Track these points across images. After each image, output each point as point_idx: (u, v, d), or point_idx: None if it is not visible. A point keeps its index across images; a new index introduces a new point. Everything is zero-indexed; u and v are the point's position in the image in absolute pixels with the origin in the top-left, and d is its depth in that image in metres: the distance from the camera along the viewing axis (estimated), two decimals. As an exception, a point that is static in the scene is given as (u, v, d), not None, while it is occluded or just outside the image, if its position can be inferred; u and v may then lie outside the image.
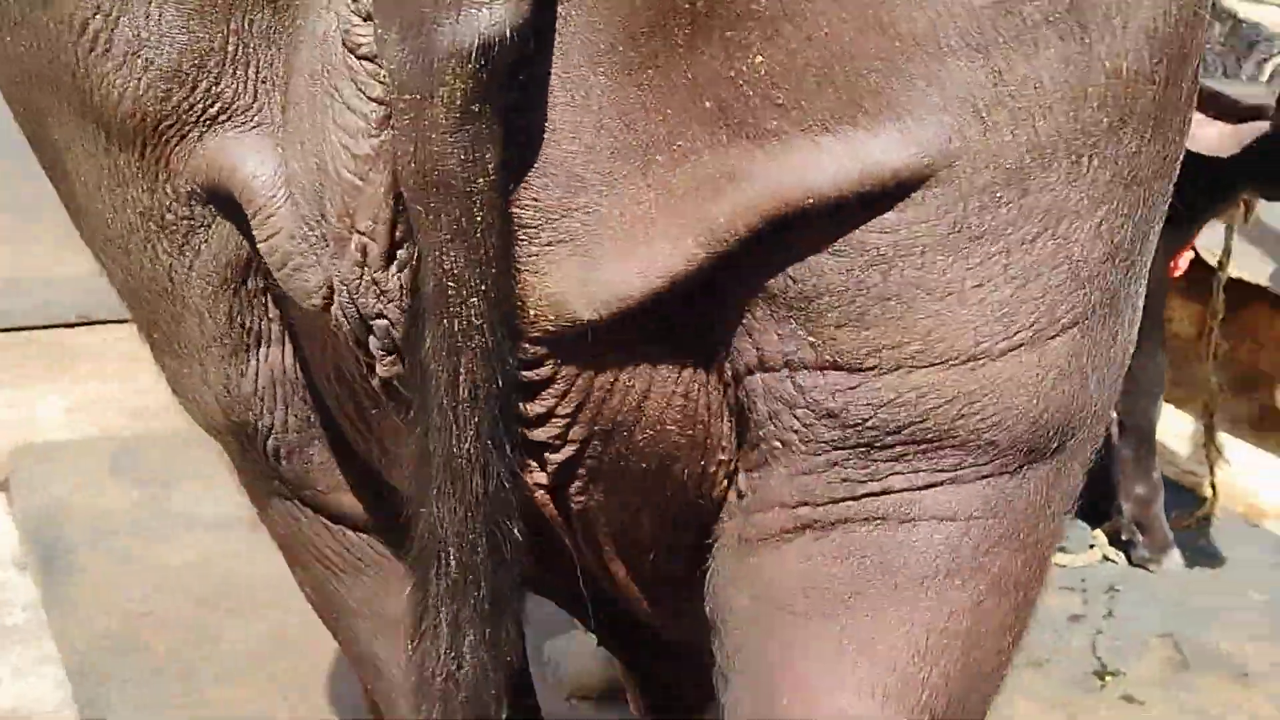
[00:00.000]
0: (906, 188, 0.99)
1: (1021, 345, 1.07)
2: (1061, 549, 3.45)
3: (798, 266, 1.04)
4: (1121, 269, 1.09)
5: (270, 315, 1.23)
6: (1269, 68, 2.91)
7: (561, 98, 1.01)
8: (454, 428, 1.04)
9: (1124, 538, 3.42)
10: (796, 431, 1.10)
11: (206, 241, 1.18)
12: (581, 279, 1.04)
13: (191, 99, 1.11)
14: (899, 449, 1.10)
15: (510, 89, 0.97)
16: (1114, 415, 3.44)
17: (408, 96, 0.96)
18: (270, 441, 1.30)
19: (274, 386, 1.26)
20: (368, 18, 0.99)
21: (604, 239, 1.03)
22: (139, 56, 1.10)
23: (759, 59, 0.97)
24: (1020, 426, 1.09)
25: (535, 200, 1.02)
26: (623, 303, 1.03)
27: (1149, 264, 1.15)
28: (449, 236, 0.99)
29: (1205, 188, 3.01)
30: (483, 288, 1.01)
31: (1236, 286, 3.68)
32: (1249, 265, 3.77)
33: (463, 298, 1.01)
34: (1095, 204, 1.04)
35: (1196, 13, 1.06)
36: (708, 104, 0.99)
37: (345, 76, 1.02)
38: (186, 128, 1.12)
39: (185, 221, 1.16)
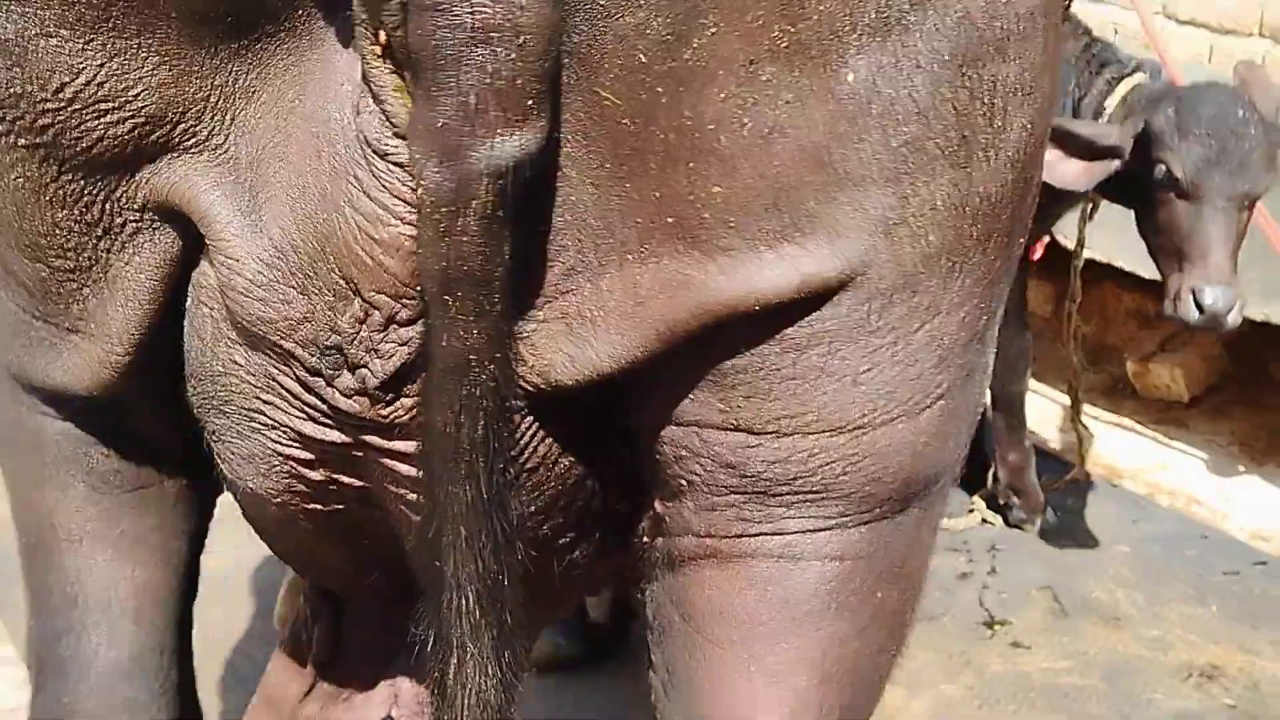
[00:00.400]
0: (830, 292, 1.18)
1: (900, 416, 1.24)
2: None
3: (722, 352, 1.21)
4: (977, 349, 1.28)
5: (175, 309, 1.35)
6: (1120, 88, 3.19)
7: (559, 204, 1.18)
8: (455, 469, 1.20)
9: (1000, 502, 3.70)
10: (699, 476, 1.28)
11: (147, 244, 1.30)
12: (569, 354, 1.21)
13: (166, 137, 1.23)
14: (790, 498, 1.26)
15: (522, 199, 1.14)
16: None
17: (444, 208, 1.10)
18: (123, 401, 1.41)
19: (153, 364, 1.37)
20: (399, 135, 1.14)
21: (587, 322, 1.20)
22: (116, 108, 1.21)
23: (716, 189, 1.14)
24: (895, 483, 1.27)
25: (538, 287, 1.20)
26: (597, 375, 1.21)
27: (990, 349, 1.34)
28: (472, 318, 1.15)
29: (1058, 194, 3.32)
30: (497, 357, 1.17)
31: (1088, 266, 3.99)
32: (1100, 245, 4.07)
33: (481, 366, 1.17)
34: (963, 301, 1.23)
35: (1043, 140, 1.27)
36: (670, 219, 1.15)
37: (365, 169, 1.17)
38: (149, 158, 1.25)
39: (131, 225, 1.29)
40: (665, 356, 1.21)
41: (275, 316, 1.25)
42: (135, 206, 1.28)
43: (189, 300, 1.34)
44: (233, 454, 1.40)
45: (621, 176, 1.15)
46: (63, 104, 1.21)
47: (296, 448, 1.35)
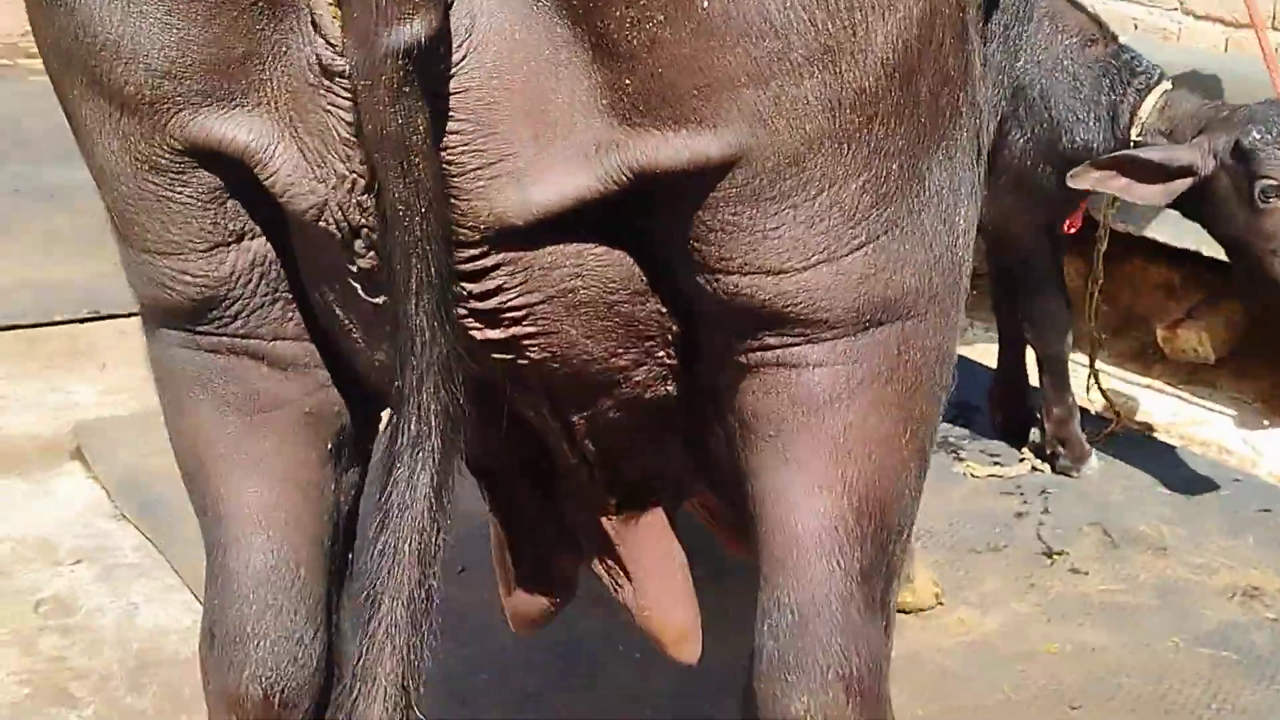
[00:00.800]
0: (722, 169, 1.49)
1: (819, 263, 1.53)
2: (997, 463, 4.07)
3: (667, 207, 1.53)
4: (894, 206, 1.54)
5: (245, 222, 1.64)
6: (1151, 98, 3.53)
7: (500, 84, 1.46)
8: (408, 304, 1.49)
9: (1048, 452, 4.03)
10: (704, 305, 1.60)
11: (194, 179, 1.59)
12: (516, 200, 1.51)
13: (199, 91, 1.54)
14: (759, 322, 1.57)
15: (433, 77, 1.43)
16: (1031, 353, 4.08)
17: (364, 83, 1.42)
18: (235, 306, 1.68)
19: (250, 268, 1.66)
20: (340, 51, 1.46)
21: (530, 175, 1.50)
22: (147, 65, 1.52)
23: (626, 81, 1.46)
24: (839, 310, 1.56)
25: (482, 150, 1.50)
26: (541, 213, 1.52)
27: (937, 200, 1.59)
28: (396, 176, 1.44)
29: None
30: (422, 209, 1.45)
31: (1120, 238, 4.32)
32: (1132, 219, 4.41)
33: (409, 217, 1.46)
34: (855, 171, 1.50)
35: (923, 38, 1.51)
36: (607, 100, 1.47)
37: (326, 88, 1.50)
38: (183, 109, 1.55)
39: (176, 164, 1.58)
40: (620, 209, 1.53)
41: (310, 204, 1.56)
42: (176, 151, 1.57)
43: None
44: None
45: (559, 64, 1.47)
46: (105, 55, 1.52)
47: (353, 302, 1.64)
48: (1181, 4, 5.23)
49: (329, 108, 1.51)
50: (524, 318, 1.60)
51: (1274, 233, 3.33)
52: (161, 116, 1.56)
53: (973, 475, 3.98)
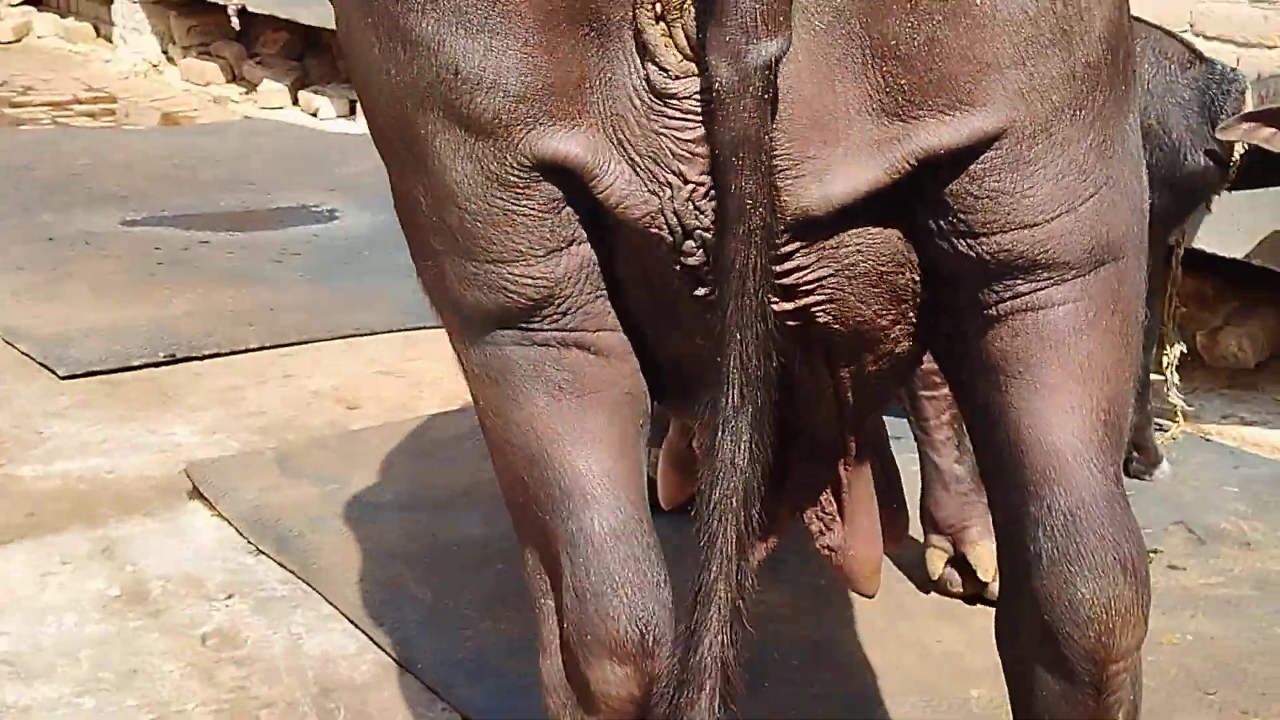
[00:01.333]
0: (992, 140, 1.76)
1: (1063, 213, 1.80)
2: (1071, 470, 4.26)
3: (939, 183, 1.78)
4: (1115, 160, 1.85)
5: (576, 229, 1.85)
6: (1248, 97, 3.80)
7: (798, 94, 1.72)
8: (743, 290, 1.73)
9: (1124, 456, 4.24)
10: (962, 267, 1.84)
11: (537, 192, 1.81)
12: (818, 195, 1.76)
13: (546, 112, 1.76)
14: (1014, 272, 1.83)
15: (775, 88, 1.68)
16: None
17: (732, 94, 1.65)
18: (566, 304, 1.89)
19: (579, 269, 1.88)
20: (679, 76, 1.70)
21: (828, 173, 1.76)
22: (505, 91, 1.74)
23: (903, 81, 1.72)
24: (1078, 252, 1.83)
25: (789, 154, 1.75)
26: (839, 204, 1.77)
27: (1131, 155, 1.90)
28: (750, 173, 1.68)
29: (1186, 202, 3.96)
30: (765, 203, 1.71)
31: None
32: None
33: (756, 208, 1.71)
34: (1085, 132, 1.80)
35: (1123, 18, 1.85)
36: (883, 99, 1.73)
37: (659, 110, 1.73)
38: (533, 128, 1.76)
39: (523, 179, 1.80)
40: (895, 193, 1.77)
41: (642, 212, 1.79)
42: (523, 168, 1.78)
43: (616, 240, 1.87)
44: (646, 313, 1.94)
45: (849, 69, 1.72)
46: (465, 88, 1.75)
47: (671, 294, 1.87)
48: (1192, 25, 5.47)
49: (662, 130, 1.74)
50: (814, 290, 1.87)
51: None
52: (514, 137, 1.77)
53: (1052, 481, 4.17)
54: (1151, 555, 3.67)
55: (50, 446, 4.21)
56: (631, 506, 1.96)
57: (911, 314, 1.94)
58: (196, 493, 3.95)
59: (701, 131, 1.72)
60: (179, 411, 4.49)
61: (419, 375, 4.81)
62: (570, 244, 1.86)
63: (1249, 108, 3.78)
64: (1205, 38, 5.40)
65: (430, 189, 1.87)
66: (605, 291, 1.91)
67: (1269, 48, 5.26)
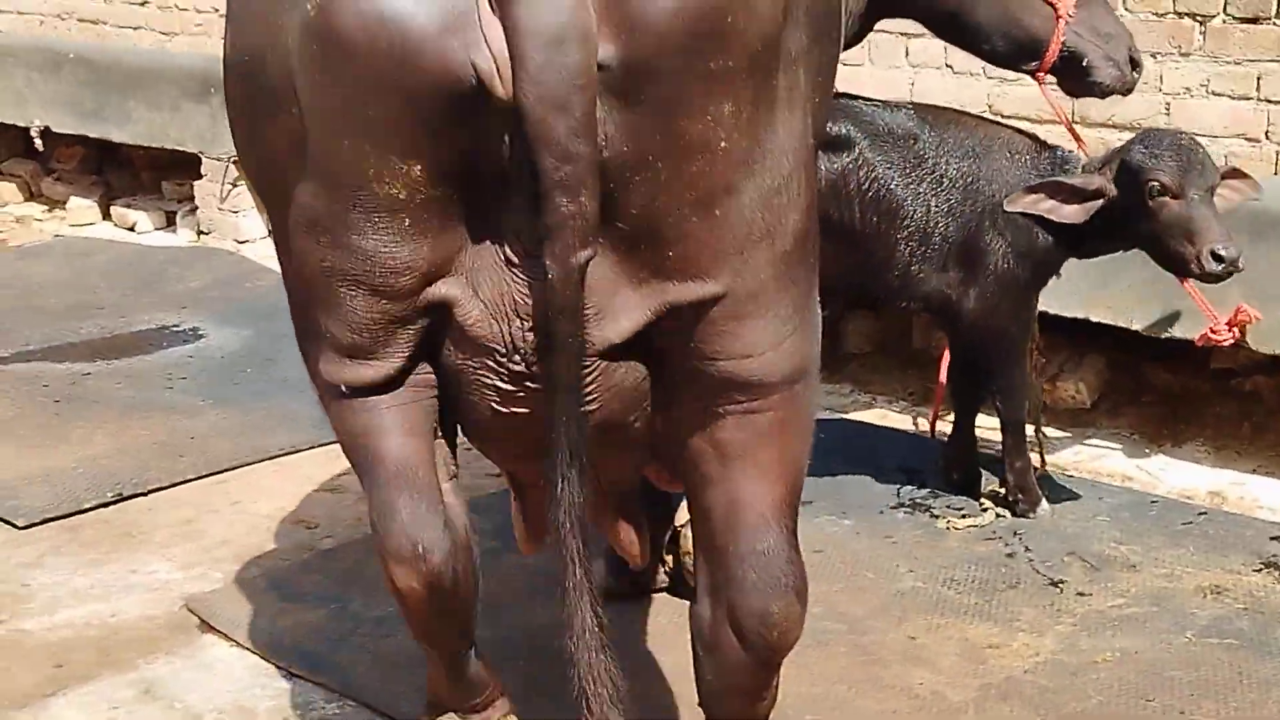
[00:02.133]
0: (717, 299, 2.44)
1: (769, 349, 2.54)
2: (965, 515, 4.89)
3: (680, 324, 2.48)
4: (802, 312, 2.64)
5: (429, 337, 2.59)
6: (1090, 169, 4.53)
7: (602, 270, 2.43)
8: (563, 389, 2.43)
9: (1009, 499, 4.88)
10: (698, 383, 2.57)
11: (419, 317, 2.54)
12: (610, 332, 2.46)
13: (436, 273, 2.48)
14: (734, 387, 2.55)
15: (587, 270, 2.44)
16: (997, 416, 4.94)
17: (559, 283, 2.35)
18: (408, 378, 2.66)
19: (419, 362, 2.64)
20: (526, 257, 2.44)
21: (611, 318, 2.46)
22: (412, 269, 2.46)
23: (662, 260, 2.43)
24: (779, 376, 2.55)
25: (591, 305, 2.41)
26: (619, 339, 2.48)
27: (815, 305, 2.67)
28: (568, 322, 2.39)
29: (1046, 268, 4.62)
30: (576, 339, 2.41)
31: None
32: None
33: (570, 344, 2.40)
34: (784, 295, 2.58)
35: (808, 221, 2.57)
36: (649, 270, 2.43)
37: (511, 274, 2.46)
38: (425, 284, 2.48)
39: (411, 313, 2.53)
40: (655, 330, 2.48)
41: (486, 334, 2.51)
42: (410, 303, 2.51)
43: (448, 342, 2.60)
44: (468, 403, 2.67)
45: (629, 253, 2.42)
46: (379, 269, 2.47)
47: (497, 395, 2.60)
48: (990, 106, 6.20)
49: (510, 287, 2.48)
50: (594, 394, 2.55)
51: (1169, 222, 4.30)
52: (413, 292, 2.49)
53: (954, 528, 4.79)
54: (1061, 584, 4.34)
55: (45, 598, 4.41)
56: (413, 462, 2.72)
57: (646, 410, 2.67)
58: (207, 626, 4.22)
59: (537, 294, 2.42)
60: (149, 549, 4.72)
61: (358, 488, 5.13)
62: (422, 345, 2.61)
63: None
64: (1003, 116, 6.14)
65: (331, 314, 2.57)
66: (431, 369, 2.67)
67: (1058, 123, 6.02)
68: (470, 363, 2.58)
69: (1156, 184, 4.26)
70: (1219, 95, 5.59)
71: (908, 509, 4.95)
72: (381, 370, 2.61)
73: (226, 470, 5.31)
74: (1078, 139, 4.71)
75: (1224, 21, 5.52)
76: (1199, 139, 5.02)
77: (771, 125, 2.37)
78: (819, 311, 2.68)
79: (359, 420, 2.71)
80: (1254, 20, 5.45)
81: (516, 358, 2.51)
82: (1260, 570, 4.45)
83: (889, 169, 4.59)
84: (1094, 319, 5.44)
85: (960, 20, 4.31)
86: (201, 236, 8.47)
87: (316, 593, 4.37)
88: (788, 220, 2.45)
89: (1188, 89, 5.66)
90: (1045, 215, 4.47)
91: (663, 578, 4.27)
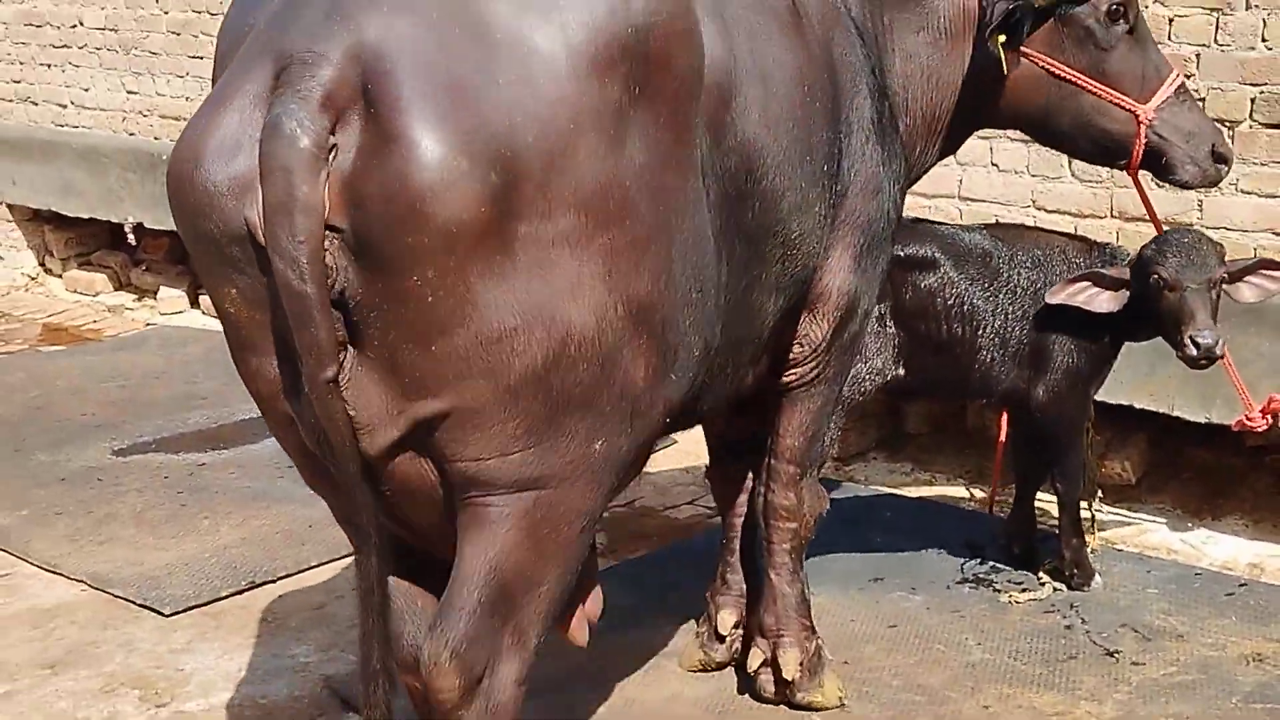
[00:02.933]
0: (447, 414, 2.94)
1: (498, 456, 3.00)
2: (1026, 589, 5.35)
3: (430, 433, 2.95)
4: (537, 436, 3.07)
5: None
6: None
7: (358, 388, 2.92)
8: (353, 487, 2.95)
9: (1066, 574, 5.35)
10: (447, 477, 3.00)
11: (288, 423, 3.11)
12: (378, 442, 2.94)
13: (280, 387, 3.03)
14: (471, 484, 3.00)
15: (340, 385, 2.93)
16: (1055, 495, 5.41)
17: (313, 394, 2.87)
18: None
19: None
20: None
21: (375, 431, 2.97)
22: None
23: (406, 381, 2.92)
24: (506, 480, 2.99)
25: (356, 417, 2.93)
26: (383, 446, 2.96)
27: (578, 435, 3.07)
28: (336, 429, 2.87)
29: (1100, 362, 5.10)
30: (351, 444, 2.88)
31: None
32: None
33: (346, 447, 2.88)
34: (509, 419, 3.03)
35: (555, 371, 3.01)
36: (399, 390, 2.92)
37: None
38: (278, 389, 3.01)
39: (281, 410, 3.06)
40: (411, 436, 2.95)
41: (306, 440, 3.08)
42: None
43: None
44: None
45: (379, 376, 2.88)
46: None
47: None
48: (1034, 201, 6.68)
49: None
50: (386, 484, 3.05)
51: (1166, 311, 4.79)
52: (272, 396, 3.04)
53: (1016, 602, 5.26)
54: (1116, 654, 4.81)
55: (199, 681, 4.90)
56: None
57: (424, 498, 3.10)
58: (347, 704, 4.70)
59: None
60: (287, 633, 5.21)
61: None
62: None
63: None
64: (1046, 210, 6.63)
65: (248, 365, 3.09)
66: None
67: (1099, 218, 6.51)
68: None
69: (1157, 277, 4.77)
70: (1247, 193, 6.06)
71: (972, 584, 5.42)
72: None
73: (347, 556, 5.79)
74: (1159, 227, 5.12)
75: (1250, 127, 6.00)
76: (1230, 232, 5.56)
77: (493, 288, 2.78)
78: (599, 445, 3.05)
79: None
80: (1277, 126, 5.93)
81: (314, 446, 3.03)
82: (1299, 638, 4.92)
83: (970, 285, 5.13)
84: (1138, 405, 5.90)
85: (1048, 128, 4.64)
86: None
87: (446, 673, 4.84)
88: (513, 362, 2.84)
89: (1219, 188, 6.13)
90: (1082, 305, 4.98)
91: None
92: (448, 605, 3.07)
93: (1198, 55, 6.05)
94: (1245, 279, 4.90)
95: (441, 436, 2.93)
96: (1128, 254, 5.12)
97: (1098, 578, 5.34)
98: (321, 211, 2.70)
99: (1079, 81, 4.41)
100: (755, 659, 4.52)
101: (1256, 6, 5.88)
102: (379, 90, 2.70)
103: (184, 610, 5.38)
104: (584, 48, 2.80)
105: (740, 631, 4.70)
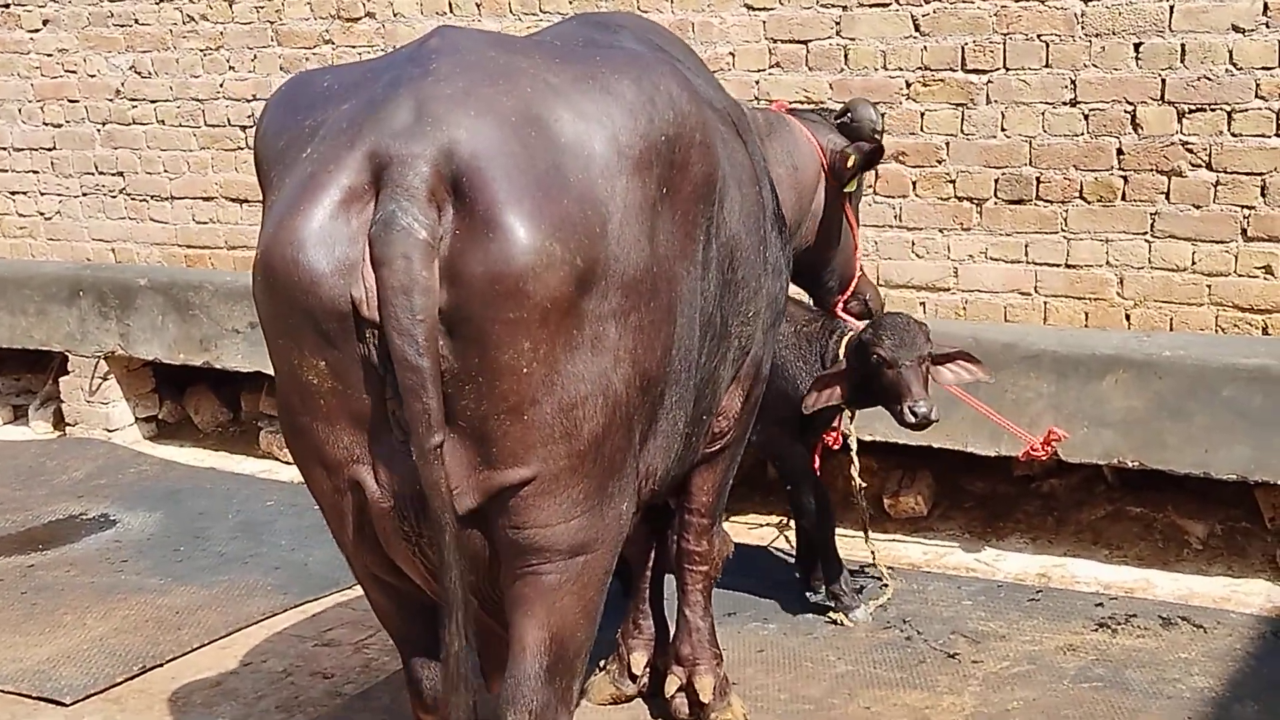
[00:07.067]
0: (527, 481, 3.23)
1: (561, 523, 3.26)
2: (853, 612, 6.05)
3: (504, 502, 3.21)
4: (593, 499, 3.38)
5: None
6: (844, 341, 5.72)
7: (454, 456, 3.19)
8: (450, 553, 3.12)
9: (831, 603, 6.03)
10: (508, 546, 3.27)
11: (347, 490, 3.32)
12: (462, 503, 3.16)
13: (356, 462, 3.25)
14: (532, 552, 3.25)
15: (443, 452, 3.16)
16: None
17: (420, 461, 3.11)
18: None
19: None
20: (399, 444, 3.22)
21: (465, 493, 3.20)
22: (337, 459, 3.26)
23: (489, 451, 3.21)
24: (565, 546, 3.25)
25: (453, 483, 3.16)
26: (466, 510, 3.18)
27: (614, 494, 3.42)
28: (435, 495, 3.08)
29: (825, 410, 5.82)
30: (450, 508, 3.08)
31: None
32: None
33: (445, 514, 3.07)
34: (576, 485, 3.34)
35: (610, 434, 3.33)
36: (481, 459, 3.20)
37: (401, 464, 3.24)
38: (349, 466, 3.24)
39: (340, 485, 3.31)
40: (486, 504, 3.19)
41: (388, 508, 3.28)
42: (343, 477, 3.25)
43: None
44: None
45: (467, 445, 3.15)
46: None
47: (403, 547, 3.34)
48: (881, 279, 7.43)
49: (402, 469, 3.18)
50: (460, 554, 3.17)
51: (886, 385, 5.47)
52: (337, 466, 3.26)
53: (855, 622, 5.94)
54: (956, 655, 5.56)
55: (125, 763, 5.07)
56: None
57: (484, 565, 3.35)
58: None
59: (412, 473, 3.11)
60: (196, 711, 5.37)
61: (350, 639, 5.94)
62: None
63: (841, 349, 5.69)
64: (892, 285, 7.27)
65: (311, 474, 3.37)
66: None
67: (943, 290, 7.13)
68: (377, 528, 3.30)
69: (877, 356, 5.46)
70: (996, 260, 6.98)
71: (814, 612, 6.05)
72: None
73: (225, 636, 6.00)
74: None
75: (995, 204, 6.93)
76: (982, 294, 6.42)
77: (571, 360, 3.07)
78: (623, 507, 3.35)
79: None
80: (1020, 201, 6.88)
81: (407, 525, 3.22)
82: (1097, 630, 5.74)
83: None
84: (936, 445, 6.63)
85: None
86: (67, 428, 9.00)
87: (386, 729, 5.16)
88: (584, 429, 3.12)
89: (970, 256, 7.05)
90: (829, 403, 5.63)
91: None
92: (519, 677, 3.33)
93: (947, 143, 6.98)
94: (946, 364, 5.48)
95: (517, 503, 3.16)
96: (843, 327, 5.81)
97: (862, 608, 5.98)
98: (436, 293, 2.97)
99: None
100: (672, 685, 5.04)
101: (996, 101, 6.84)
102: (475, 185, 2.98)
103: (85, 698, 5.46)
104: (629, 152, 3.20)
105: (649, 669, 5.22)
